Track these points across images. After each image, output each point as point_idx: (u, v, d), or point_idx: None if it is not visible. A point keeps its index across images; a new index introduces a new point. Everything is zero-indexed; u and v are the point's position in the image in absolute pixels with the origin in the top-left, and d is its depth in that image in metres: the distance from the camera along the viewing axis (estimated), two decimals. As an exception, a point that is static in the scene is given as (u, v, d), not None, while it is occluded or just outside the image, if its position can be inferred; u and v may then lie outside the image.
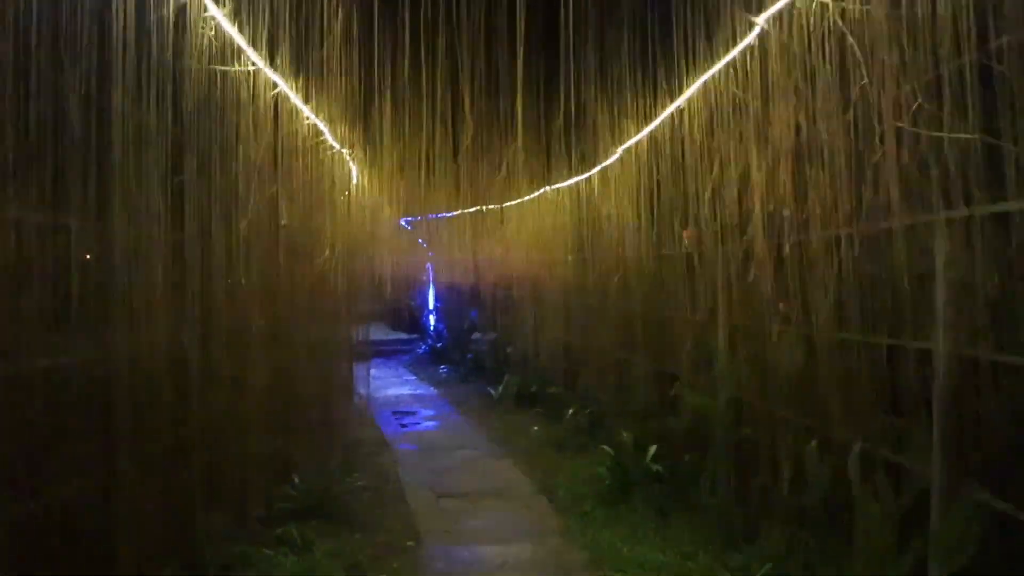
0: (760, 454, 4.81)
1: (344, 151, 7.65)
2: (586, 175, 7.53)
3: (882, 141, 3.32)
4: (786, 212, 4.20)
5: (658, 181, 5.98)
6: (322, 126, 6.91)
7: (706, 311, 5.80)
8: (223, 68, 4.48)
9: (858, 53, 3.42)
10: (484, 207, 11.09)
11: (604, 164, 6.83)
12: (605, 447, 6.48)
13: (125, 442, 3.64)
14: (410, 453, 7.78)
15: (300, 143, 7.00)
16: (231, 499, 4.70)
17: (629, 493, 5.89)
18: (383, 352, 15.05)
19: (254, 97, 5.03)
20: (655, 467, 5.83)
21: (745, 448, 5.03)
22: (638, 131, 6.00)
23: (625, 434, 6.45)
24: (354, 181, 9.24)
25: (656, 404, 6.64)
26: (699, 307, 5.91)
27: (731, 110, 4.72)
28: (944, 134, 3.00)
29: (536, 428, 8.36)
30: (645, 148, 5.98)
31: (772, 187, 4.27)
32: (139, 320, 3.77)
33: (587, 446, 7.52)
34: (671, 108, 5.61)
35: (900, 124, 3.20)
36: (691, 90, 5.32)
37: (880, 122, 3.31)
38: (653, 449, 6.08)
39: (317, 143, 7.35)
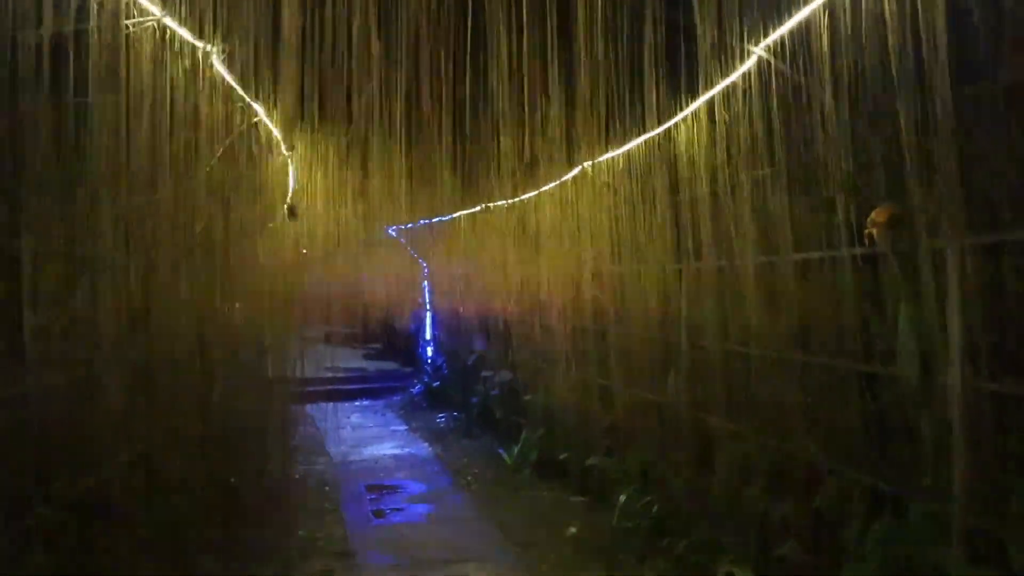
0: None
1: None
2: (662, 127, 4.71)
3: None
4: None
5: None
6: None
7: (914, 359, 3.07)
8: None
9: None
10: (494, 203, 8.34)
11: (707, 95, 3.98)
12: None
13: None
14: (381, 574, 5.02)
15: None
16: None
17: None
18: (370, 391, 12.25)
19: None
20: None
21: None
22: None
23: (739, 574, 3.71)
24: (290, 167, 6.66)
25: (788, 514, 3.89)
26: (894, 351, 3.18)
27: None
28: None
29: (574, 529, 5.55)
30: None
31: None
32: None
33: (654, 562, 4.79)
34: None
35: None
36: None
37: None
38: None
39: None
